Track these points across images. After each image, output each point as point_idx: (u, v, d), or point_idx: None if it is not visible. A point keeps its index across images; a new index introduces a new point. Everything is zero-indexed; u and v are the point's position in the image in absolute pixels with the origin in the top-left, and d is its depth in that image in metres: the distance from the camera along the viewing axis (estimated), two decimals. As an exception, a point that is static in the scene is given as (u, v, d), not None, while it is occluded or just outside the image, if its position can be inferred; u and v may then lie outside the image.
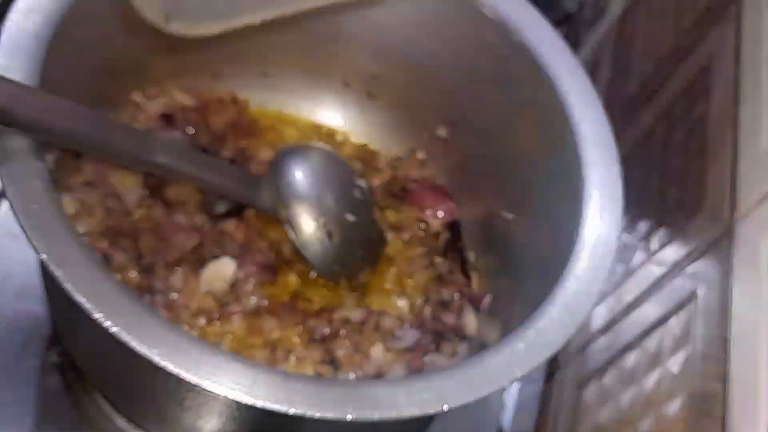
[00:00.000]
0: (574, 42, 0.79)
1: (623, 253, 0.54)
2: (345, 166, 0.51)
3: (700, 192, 0.47)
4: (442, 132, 0.54)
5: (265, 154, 0.52)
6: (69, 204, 0.45)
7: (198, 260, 0.47)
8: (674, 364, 0.43)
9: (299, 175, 0.48)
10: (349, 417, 0.33)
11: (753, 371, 0.36)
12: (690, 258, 0.45)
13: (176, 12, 0.39)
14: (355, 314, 0.48)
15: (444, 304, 0.51)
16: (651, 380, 0.44)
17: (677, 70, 0.56)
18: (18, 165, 0.34)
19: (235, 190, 0.47)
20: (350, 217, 0.49)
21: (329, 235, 0.48)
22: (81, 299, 0.32)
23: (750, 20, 0.48)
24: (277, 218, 0.48)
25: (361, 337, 0.48)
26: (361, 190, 0.50)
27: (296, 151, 0.50)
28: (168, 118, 0.51)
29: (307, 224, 0.48)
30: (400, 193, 0.55)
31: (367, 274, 0.50)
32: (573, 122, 0.44)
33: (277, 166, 0.48)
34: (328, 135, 0.57)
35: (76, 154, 0.46)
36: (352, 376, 0.46)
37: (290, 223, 0.47)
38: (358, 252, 0.50)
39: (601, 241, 0.41)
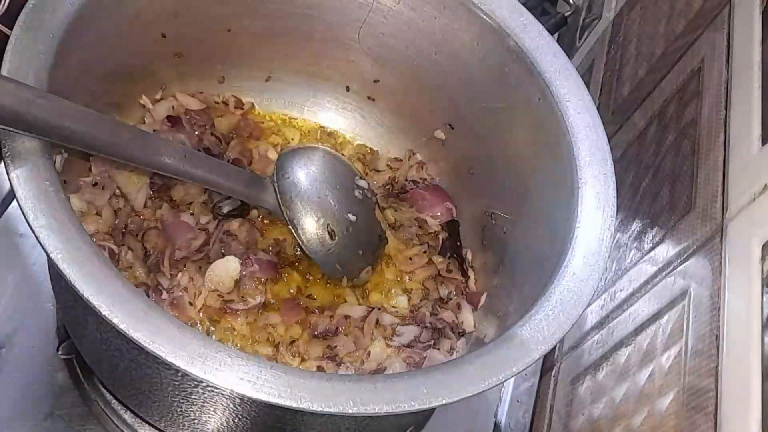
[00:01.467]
0: (569, 46, 0.79)
1: (617, 251, 0.54)
2: (346, 167, 0.52)
3: (691, 192, 0.47)
4: (440, 134, 0.55)
5: (269, 155, 0.54)
6: (77, 204, 0.46)
7: (203, 259, 0.48)
8: (667, 360, 0.43)
9: (302, 175, 0.49)
10: (351, 411, 0.33)
11: (744, 367, 0.36)
12: (682, 256, 0.46)
13: None
14: (356, 311, 0.49)
15: (442, 302, 0.52)
16: (644, 376, 0.45)
17: (670, 74, 0.56)
18: (28, 166, 0.35)
19: (238, 189, 0.48)
20: (351, 217, 0.50)
21: (331, 234, 0.49)
22: (90, 297, 0.32)
23: (740, 25, 0.48)
24: (281, 218, 0.49)
25: (361, 333, 0.48)
26: (362, 191, 0.51)
27: (299, 152, 0.51)
28: (175, 121, 0.52)
29: (310, 224, 0.48)
30: (399, 193, 0.56)
31: (367, 272, 0.51)
32: (568, 124, 0.45)
33: (280, 167, 0.49)
34: (330, 137, 0.58)
35: (84, 156, 0.47)
36: (352, 371, 0.47)
37: (293, 222, 0.48)
38: (359, 250, 0.51)
39: (595, 240, 0.41)
